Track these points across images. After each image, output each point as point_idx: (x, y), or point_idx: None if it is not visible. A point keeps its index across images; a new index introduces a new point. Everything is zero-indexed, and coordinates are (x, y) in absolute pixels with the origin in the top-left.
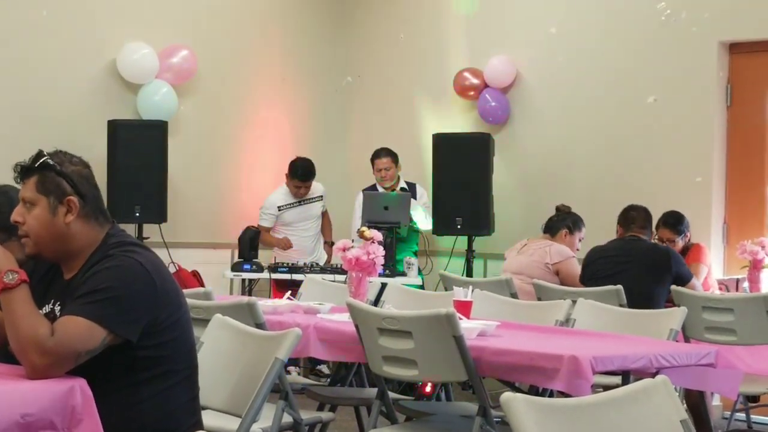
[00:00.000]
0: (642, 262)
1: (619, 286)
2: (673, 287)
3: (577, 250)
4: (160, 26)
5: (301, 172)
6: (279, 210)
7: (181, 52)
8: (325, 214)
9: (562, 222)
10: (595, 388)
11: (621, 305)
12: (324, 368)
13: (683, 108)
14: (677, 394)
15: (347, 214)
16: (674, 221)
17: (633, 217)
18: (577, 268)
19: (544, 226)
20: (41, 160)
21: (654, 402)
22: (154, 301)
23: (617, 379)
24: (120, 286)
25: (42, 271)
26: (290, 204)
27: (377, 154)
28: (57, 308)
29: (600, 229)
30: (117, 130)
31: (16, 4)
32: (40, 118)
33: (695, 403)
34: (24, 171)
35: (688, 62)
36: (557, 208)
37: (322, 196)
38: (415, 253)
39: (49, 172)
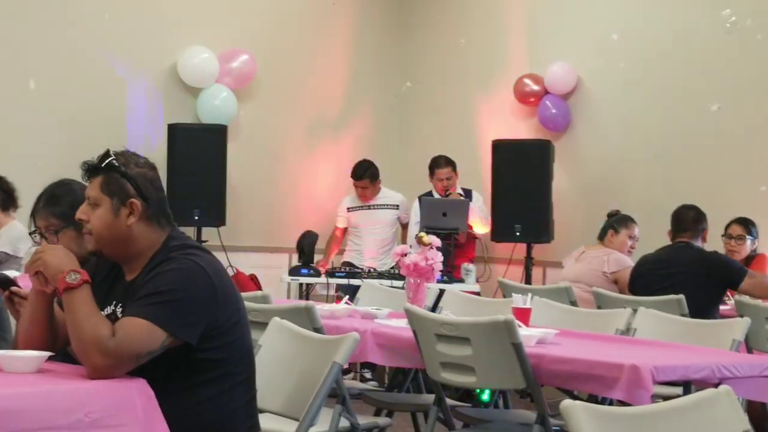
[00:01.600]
0: (692, 272)
1: (681, 296)
2: (736, 298)
3: (632, 248)
4: (220, 31)
5: (354, 172)
6: (348, 211)
7: (241, 57)
8: (404, 226)
9: (608, 224)
10: (655, 398)
11: (682, 315)
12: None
13: (747, 116)
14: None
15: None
16: (748, 221)
17: (683, 219)
18: None
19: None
20: (107, 161)
21: (716, 413)
22: (214, 304)
23: (678, 390)
24: (180, 289)
25: (104, 272)
26: (358, 207)
27: (437, 163)
28: (118, 310)
29: (660, 238)
30: (177, 134)
31: (79, 7)
32: (101, 120)
33: (758, 415)
34: (90, 170)
35: (752, 70)
36: (608, 215)
37: (398, 206)
38: (472, 260)
39: (114, 173)
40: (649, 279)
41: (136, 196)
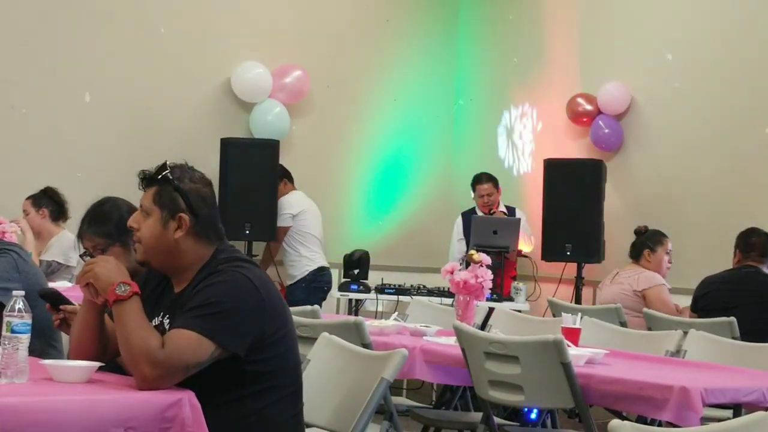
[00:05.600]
0: (757, 297)
1: (732, 318)
2: None
3: (669, 263)
4: (274, 46)
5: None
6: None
7: (294, 72)
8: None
9: (641, 243)
10: (704, 421)
11: (734, 338)
12: None
13: None
14: None
15: (448, 237)
16: None
17: (753, 243)
18: (666, 295)
19: (629, 253)
20: (162, 174)
21: None
22: (262, 316)
23: (728, 413)
24: (229, 301)
25: (153, 284)
26: None
27: (478, 180)
28: (166, 321)
29: (715, 260)
30: (229, 148)
31: (135, 21)
32: (155, 134)
33: None
34: (146, 180)
35: None
36: (635, 232)
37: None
38: (514, 278)
39: (168, 185)
40: (712, 299)
41: (185, 211)
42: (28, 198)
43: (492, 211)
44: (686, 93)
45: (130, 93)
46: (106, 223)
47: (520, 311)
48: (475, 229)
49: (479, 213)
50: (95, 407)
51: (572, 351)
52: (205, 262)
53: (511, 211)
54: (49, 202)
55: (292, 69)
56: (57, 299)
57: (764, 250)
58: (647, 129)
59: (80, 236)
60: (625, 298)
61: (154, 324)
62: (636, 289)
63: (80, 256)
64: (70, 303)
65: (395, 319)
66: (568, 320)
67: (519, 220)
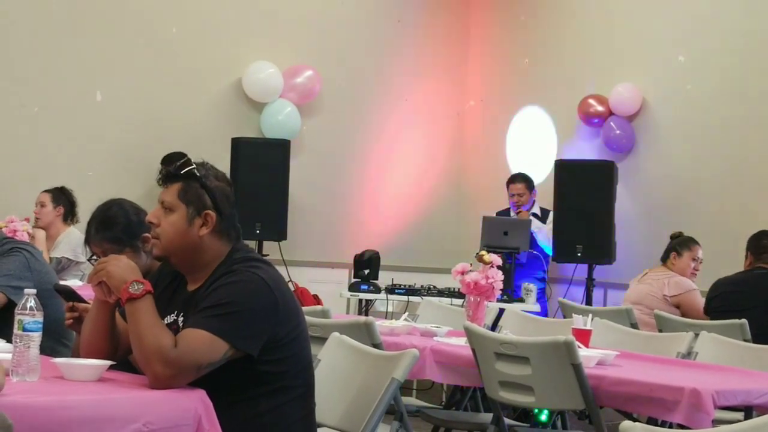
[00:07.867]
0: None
1: (744, 320)
2: None
3: (695, 270)
4: (285, 46)
5: None
6: None
7: (305, 72)
8: None
9: (671, 247)
10: (715, 423)
11: (745, 340)
12: None
13: None
14: None
15: (463, 237)
16: None
17: (765, 246)
18: (700, 300)
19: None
20: (188, 169)
21: None
22: (275, 317)
23: (739, 416)
24: (243, 302)
25: (165, 282)
26: None
27: (512, 179)
28: (180, 319)
29: (726, 261)
30: (240, 148)
31: (147, 20)
32: (166, 133)
33: None
34: (169, 175)
35: None
36: (671, 237)
37: None
38: (542, 280)
39: (194, 182)
40: (723, 301)
41: (211, 208)
42: (46, 191)
43: (519, 211)
44: (698, 95)
45: (141, 92)
46: (113, 228)
47: (539, 313)
48: (485, 229)
49: (512, 213)
50: (106, 406)
51: (583, 352)
52: (221, 261)
53: (545, 213)
54: (66, 202)
55: (302, 69)
56: (70, 296)
57: None
58: (659, 130)
59: (87, 242)
60: (651, 299)
61: (167, 322)
62: (666, 294)
63: (88, 260)
64: (83, 301)
65: (405, 320)
66: (579, 321)
67: (530, 221)
